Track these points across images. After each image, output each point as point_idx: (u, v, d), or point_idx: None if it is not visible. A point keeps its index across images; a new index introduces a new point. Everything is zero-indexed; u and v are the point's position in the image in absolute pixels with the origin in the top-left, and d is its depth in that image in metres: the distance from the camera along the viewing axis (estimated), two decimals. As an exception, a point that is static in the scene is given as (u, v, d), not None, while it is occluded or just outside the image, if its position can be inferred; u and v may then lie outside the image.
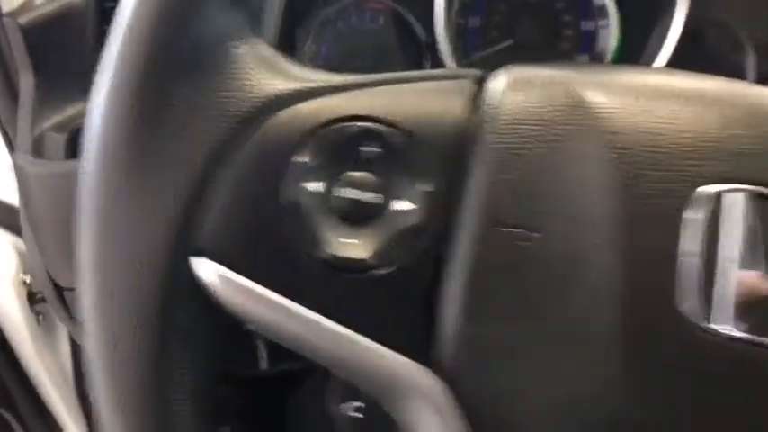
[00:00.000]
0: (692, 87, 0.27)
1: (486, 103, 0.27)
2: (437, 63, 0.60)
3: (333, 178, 0.26)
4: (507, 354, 0.25)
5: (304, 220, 0.26)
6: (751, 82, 0.63)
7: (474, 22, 0.63)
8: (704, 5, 0.62)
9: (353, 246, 0.26)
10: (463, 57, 0.64)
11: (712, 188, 0.24)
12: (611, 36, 0.63)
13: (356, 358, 0.25)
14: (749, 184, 0.24)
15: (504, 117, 0.26)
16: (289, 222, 0.26)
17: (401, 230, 0.26)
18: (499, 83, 0.28)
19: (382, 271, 0.25)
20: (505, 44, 0.62)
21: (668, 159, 0.25)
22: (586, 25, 0.63)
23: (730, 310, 0.24)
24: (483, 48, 0.63)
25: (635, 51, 0.60)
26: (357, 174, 0.26)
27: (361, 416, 0.36)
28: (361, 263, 0.25)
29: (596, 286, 0.24)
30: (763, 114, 0.26)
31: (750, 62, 0.63)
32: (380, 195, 0.26)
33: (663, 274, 0.24)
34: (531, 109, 0.26)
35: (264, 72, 0.27)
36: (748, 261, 0.24)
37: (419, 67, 0.61)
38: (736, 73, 0.63)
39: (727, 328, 0.24)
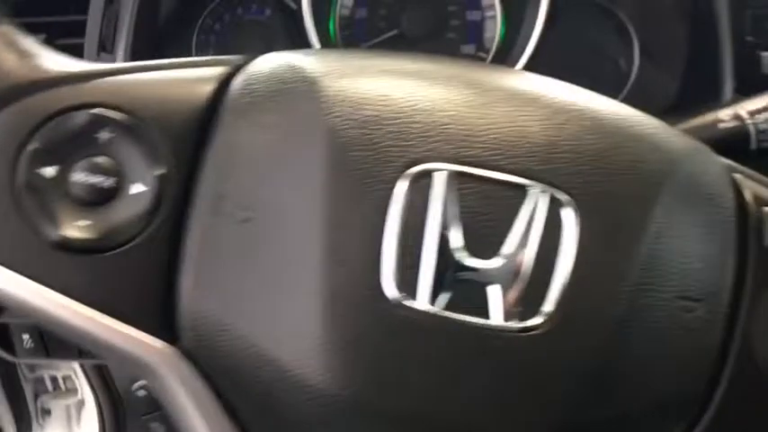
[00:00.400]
0: (415, 69, 0.28)
1: (230, 89, 0.27)
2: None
3: (68, 163, 0.27)
4: (236, 322, 0.26)
5: (41, 204, 0.26)
6: (632, 77, 0.64)
7: (361, 12, 0.64)
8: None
9: (84, 227, 0.26)
10: (350, 47, 0.64)
11: (419, 168, 0.25)
12: (496, 25, 0.63)
13: (97, 335, 0.26)
14: (453, 164, 0.25)
15: (238, 103, 0.27)
16: (26, 206, 0.26)
17: (134, 212, 0.26)
18: (250, 69, 0.28)
19: (113, 251, 0.26)
20: (390, 34, 0.63)
21: (378, 140, 0.25)
22: (472, 15, 0.64)
23: (435, 289, 0.24)
24: (370, 38, 0.63)
25: (519, 39, 0.60)
26: (93, 159, 0.27)
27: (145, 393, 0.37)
28: (88, 243, 0.26)
29: (307, 263, 0.25)
30: (466, 94, 0.26)
31: (635, 48, 0.63)
32: (115, 179, 0.27)
33: (367, 252, 0.24)
34: (262, 95, 0.27)
35: (8, 60, 0.27)
36: (454, 241, 0.24)
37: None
38: (622, 59, 0.64)
39: (427, 304, 0.24)
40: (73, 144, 0.26)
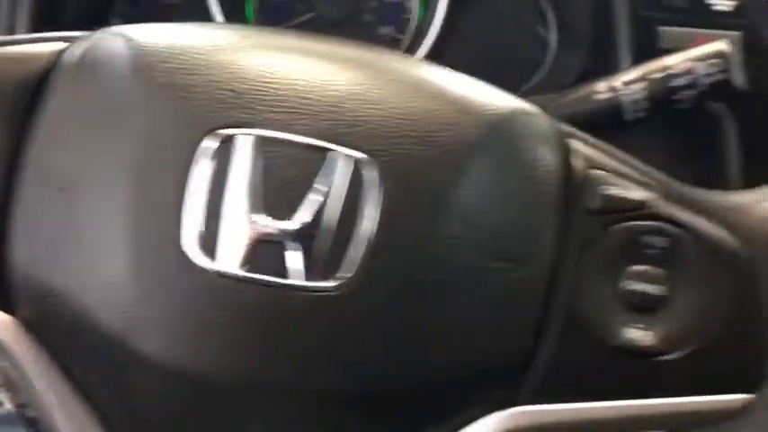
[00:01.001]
0: (237, 40, 0.28)
1: (61, 63, 0.28)
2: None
3: None
4: (61, 289, 0.26)
5: None
6: (550, 55, 0.65)
7: (278, -5, 0.64)
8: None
9: None
10: (267, 30, 0.65)
11: (222, 132, 0.25)
12: (414, 7, 0.64)
13: None
14: (256, 128, 0.25)
15: (66, 77, 0.28)
16: None
17: None
18: (82, 44, 0.29)
19: None
20: (306, 17, 0.63)
21: (185, 106, 0.26)
22: (389, -3, 0.65)
23: (236, 251, 0.25)
24: (287, 21, 0.64)
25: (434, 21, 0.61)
26: None
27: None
28: None
29: (115, 229, 0.25)
30: (275, 61, 0.27)
31: (552, 33, 0.64)
32: None
33: (170, 216, 0.25)
34: (87, 68, 0.27)
35: None
36: (255, 203, 0.25)
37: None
38: (538, 43, 0.65)
39: (228, 265, 0.25)
40: None
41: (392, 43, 0.64)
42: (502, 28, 0.63)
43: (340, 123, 0.25)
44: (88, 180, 0.26)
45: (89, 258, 0.26)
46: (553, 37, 0.63)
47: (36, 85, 0.28)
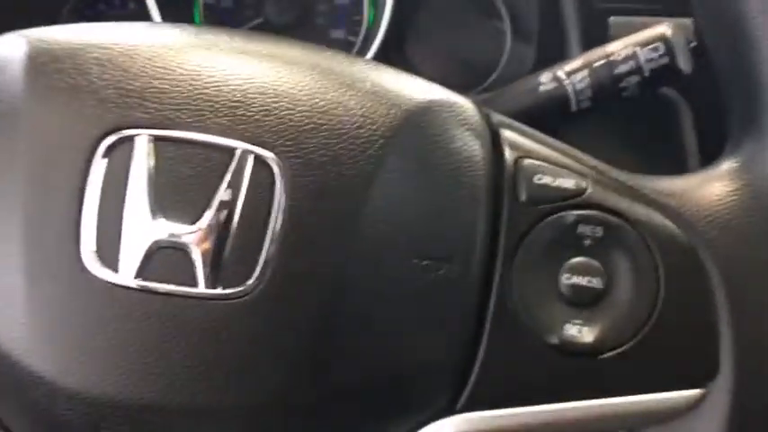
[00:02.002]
0: (142, 40, 0.26)
1: None
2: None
3: None
4: None
5: None
6: (506, 50, 0.64)
7: (227, 2, 0.63)
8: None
9: None
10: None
11: (117, 135, 0.24)
12: (364, 9, 0.63)
13: None
14: (153, 129, 0.24)
15: None
16: None
17: None
18: None
19: None
20: (255, 22, 0.62)
21: (77, 109, 0.24)
22: (340, 0, 0.64)
23: (137, 260, 0.23)
24: (237, 27, 0.63)
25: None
26: None
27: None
28: None
29: (12, 241, 0.24)
30: (181, 58, 0.25)
31: (507, 27, 0.63)
32: None
33: (67, 226, 0.23)
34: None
35: None
36: (155, 208, 0.23)
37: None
38: (495, 37, 0.64)
39: (129, 277, 0.23)
40: None
41: (345, 46, 0.64)
42: (457, 23, 0.62)
43: (243, 119, 0.24)
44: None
45: None
46: (508, 29, 0.63)
47: None
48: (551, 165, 0.28)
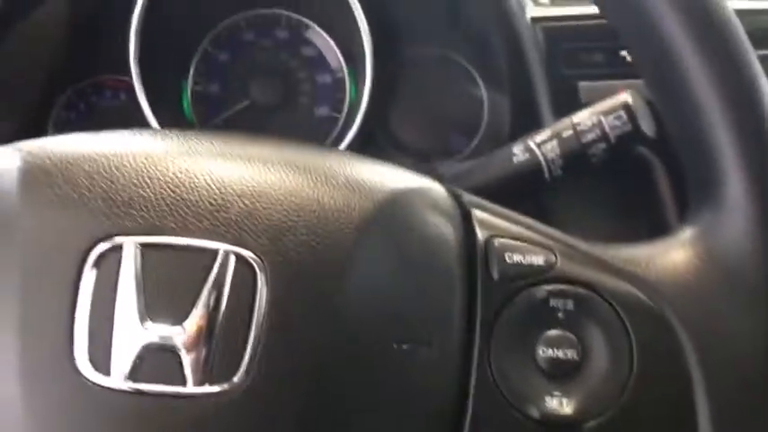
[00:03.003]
0: (122, 147, 0.28)
1: None
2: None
3: None
4: None
5: None
6: (485, 119, 0.67)
7: (213, 87, 0.65)
8: (431, 43, 0.66)
9: None
10: (205, 122, 0.66)
11: (106, 244, 0.25)
12: (346, 86, 0.66)
13: None
14: (139, 236, 0.25)
15: None
16: None
17: None
18: None
19: None
20: (242, 105, 0.64)
21: (66, 219, 0.26)
22: (322, 78, 0.66)
23: (128, 362, 0.24)
24: (223, 112, 0.65)
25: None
26: None
27: None
28: None
29: (7, 347, 0.24)
30: (161, 165, 0.27)
31: (484, 96, 0.66)
32: None
33: (61, 331, 0.24)
34: None
35: None
36: (144, 311, 0.25)
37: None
38: (474, 105, 0.67)
39: (121, 380, 0.24)
40: None
41: (330, 122, 0.66)
42: (437, 93, 0.65)
43: (224, 222, 0.25)
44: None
45: None
46: (485, 100, 0.65)
47: None
48: (521, 242, 0.29)
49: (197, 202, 0.26)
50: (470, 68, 0.66)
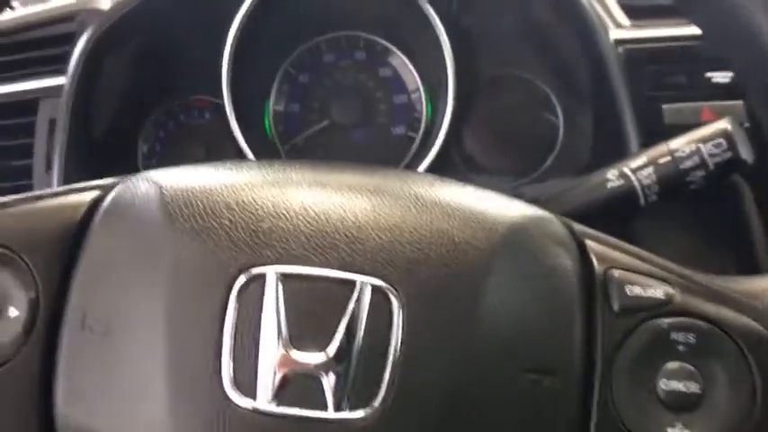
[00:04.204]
0: (255, 178, 0.29)
1: (97, 212, 0.30)
2: (259, 149, 0.63)
3: None
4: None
5: None
6: (560, 139, 0.67)
7: (294, 107, 0.67)
8: (510, 65, 0.67)
9: None
10: (286, 141, 0.68)
11: (250, 273, 0.26)
12: (423, 105, 0.66)
13: None
14: (280, 265, 0.26)
15: (101, 225, 0.29)
16: None
17: (9, 335, 0.28)
18: (116, 191, 0.31)
19: None
20: (322, 125, 0.66)
21: (212, 249, 0.27)
22: (399, 98, 0.67)
23: (272, 387, 0.25)
24: (304, 131, 0.67)
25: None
26: None
27: None
28: None
29: (155, 371, 0.26)
30: (295, 195, 0.28)
31: (560, 121, 0.66)
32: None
33: (208, 357, 0.26)
34: (121, 215, 0.29)
35: None
36: (287, 339, 0.26)
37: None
38: (549, 126, 0.67)
39: (266, 403, 0.25)
40: None
41: (405, 141, 0.67)
42: (511, 111, 0.65)
43: (360, 253, 0.27)
44: (126, 324, 0.27)
45: (129, 401, 0.27)
46: (560, 121, 0.65)
47: (75, 235, 0.30)
48: (639, 274, 0.29)
49: (335, 234, 0.27)
50: (546, 89, 0.67)
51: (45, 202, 0.31)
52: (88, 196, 0.31)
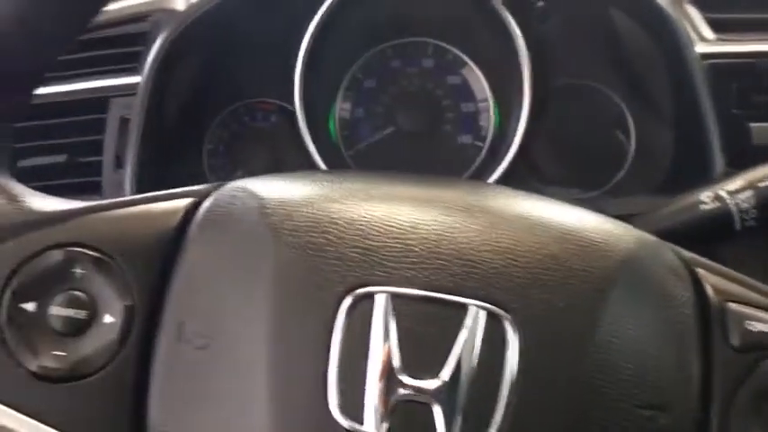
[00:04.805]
0: (360, 192, 0.28)
1: (193, 220, 0.29)
2: (323, 154, 0.63)
3: (47, 298, 0.29)
4: None
5: (22, 337, 0.28)
6: (631, 152, 0.65)
7: (359, 112, 0.67)
8: (583, 75, 0.65)
9: (60, 357, 0.28)
10: (351, 146, 0.67)
11: (358, 292, 0.25)
12: (490, 115, 0.65)
13: None
14: (391, 286, 0.25)
15: (199, 234, 0.29)
16: (8, 339, 0.28)
17: (104, 342, 0.28)
18: (212, 199, 0.30)
19: (86, 380, 0.28)
20: (388, 131, 0.65)
21: (320, 266, 0.26)
22: (466, 107, 0.66)
23: (381, 412, 0.24)
24: (368, 136, 0.66)
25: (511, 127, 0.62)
26: (70, 293, 0.29)
27: None
28: (62, 372, 0.27)
29: (257, 389, 0.25)
30: (404, 214, 0.27)
31: (632, 130, 0.64)
32: (87, 311, 0.28)
33: (313, 380, 0.25)
34: (220, 225, 0.29)
35: None
36: (398, 363, 0.25)
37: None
38: (620, 139, 0.65)
39: (373, 429, 0.24)
40: (51, 280, 0.29)
41: (472, 150, 0.66)
42: (581, 123, 0.64)
43: (473, 277, 0.25)
44: (227, 338, 0.27)
45: (227, 417, 0.26)
46: (632, 135, 0.63)
47: (172, 242, 0.29)
48: (757, 308, 0.28)
49: (445, 255, 0.26)
50: (619, 101, 0.65)
51: (139, 208, 0.30)
52: (183, 202, 0.30)
